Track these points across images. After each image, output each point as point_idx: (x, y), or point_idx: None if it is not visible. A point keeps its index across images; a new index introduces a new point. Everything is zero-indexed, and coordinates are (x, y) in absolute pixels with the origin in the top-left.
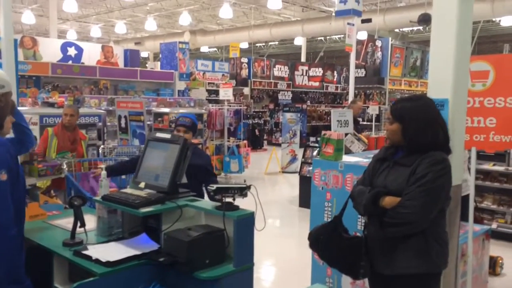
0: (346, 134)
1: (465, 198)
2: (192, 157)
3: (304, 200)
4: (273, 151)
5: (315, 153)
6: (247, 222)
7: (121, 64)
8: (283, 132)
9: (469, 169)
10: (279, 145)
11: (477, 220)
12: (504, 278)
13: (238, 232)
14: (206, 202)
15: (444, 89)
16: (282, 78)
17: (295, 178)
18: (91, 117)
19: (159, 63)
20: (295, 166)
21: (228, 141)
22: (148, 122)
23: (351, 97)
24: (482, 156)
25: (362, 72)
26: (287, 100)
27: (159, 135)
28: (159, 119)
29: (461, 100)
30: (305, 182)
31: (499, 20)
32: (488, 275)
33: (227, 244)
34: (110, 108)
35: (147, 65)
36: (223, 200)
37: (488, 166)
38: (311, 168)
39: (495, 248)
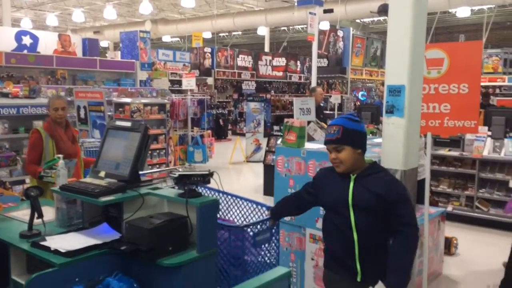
0: (309, 122)
1: (422, 182)
2: (371, 181)
3: (269, 188)
4: (237, 141)
5: (279, 141)
6: (210, 209)
7: (79, 54)
8: (247, 121)
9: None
10: (243, 135)
11: (432, 203)
12: (458, 257)
13: (202, 218)
14: (168, 190)
15: (401, 76)
16: (245, 68)
17: (260, 167)
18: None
19: (119, 52)
20: (260, 155)
21: (192, 131)
22: (109, 113)
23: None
24: (438, 142)
25: (324, 62)
26: (251, 90)
27: (119, 123)
28: (120, 109)
29: (417, 87)
30: (270, 171)
31: (455, 11)
32: (443, 255)
33: (190, 231)
34: (69, 99)
35: (107, 54)
36: (186, 188)
37: (444, 151)
38: (275, 156)
39: (450, 230)
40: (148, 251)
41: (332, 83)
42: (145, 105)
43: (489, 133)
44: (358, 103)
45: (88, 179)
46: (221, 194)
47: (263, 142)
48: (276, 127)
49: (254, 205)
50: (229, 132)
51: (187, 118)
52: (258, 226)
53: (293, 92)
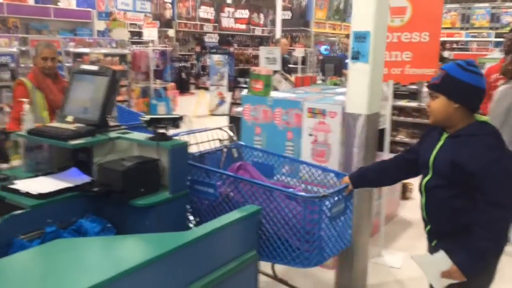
0: (274, 73)
1: (382, 131)
2: (459, 144)
3: None
4: (201, 94)
5: (244, 92)
6: (181, 151)
7: (30, 2)
8: (210, 74)
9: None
10: (206, 89)
11: (392, 151)
12: (413, 201)
13: (173, 161)
14: (139, 134)
15: (366, 22)
16: (208, 20)
17: (224, 120)
18: (2, 56)
19: (73, 1)
20: (224, 109)
21: (155, 83)
22: (67, 64)
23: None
24: (397, 95)
25: (288, 15)
26: (213, 43)
27: (85, 67)
28: (79, 59)
29: (381, 33)
30: (235, 122)
31: None
32: (399, 199)
33: (161, 173)
34: (23, 48)
35: (59, 3)
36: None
37: (403, 102)
38: (240, 108)
39: None
40: (121, 192)
41: (295, 37)
42: (105, 55)
43: None
44: (321, 57)
45: (55, 124)
46: (287, 160)
47: (227, 95)
48: (241, 79)
49: (320, 171)
50: (192, 86)
51: (149, 71)
52: (336, 197)
53: (256, 46)
